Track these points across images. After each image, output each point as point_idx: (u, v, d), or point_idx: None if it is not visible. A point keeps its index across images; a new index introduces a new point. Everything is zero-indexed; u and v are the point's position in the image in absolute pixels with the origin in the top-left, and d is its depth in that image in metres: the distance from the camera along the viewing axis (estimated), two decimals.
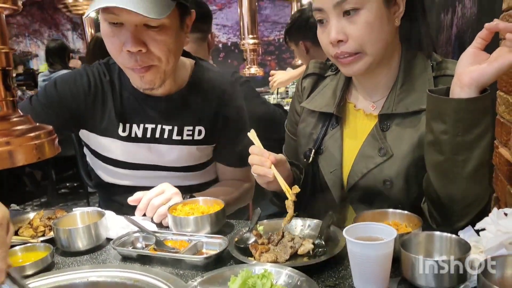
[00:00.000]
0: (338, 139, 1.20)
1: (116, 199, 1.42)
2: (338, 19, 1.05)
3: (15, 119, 0.66)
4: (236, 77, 1.94)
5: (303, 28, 2.55)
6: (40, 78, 4.34)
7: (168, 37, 1.15)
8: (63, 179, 4.68)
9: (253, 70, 3.35)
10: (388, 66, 1.13)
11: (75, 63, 4.90)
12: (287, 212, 1.04)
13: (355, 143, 1.17)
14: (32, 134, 0.65)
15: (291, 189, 1.04)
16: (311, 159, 1.21)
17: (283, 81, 3.63)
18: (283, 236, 0.98)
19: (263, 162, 1.07)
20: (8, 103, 0.65)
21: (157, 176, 1.36)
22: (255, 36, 3.26)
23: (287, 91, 3.88)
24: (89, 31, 4.80)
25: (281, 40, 5.87)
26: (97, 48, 3.03)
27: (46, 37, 4.92)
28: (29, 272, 0.95)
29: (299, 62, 4.95)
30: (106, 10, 1.11)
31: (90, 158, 1.44)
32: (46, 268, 0.98)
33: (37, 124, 0.69)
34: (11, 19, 4.75)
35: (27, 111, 0.99)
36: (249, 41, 3.20)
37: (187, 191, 1.27)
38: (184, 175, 1.39)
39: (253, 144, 1.11)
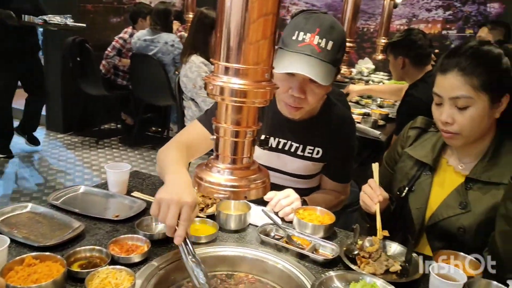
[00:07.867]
0: (428, 184, 1.56)
1: None
2: (451, 107, 1.40)
3: None
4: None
5: (408, 47, 2.88)
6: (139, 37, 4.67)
7: (323, 91, 1.52)
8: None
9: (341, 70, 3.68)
10: (481, 142, 1.47)
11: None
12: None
13: (442, 191, 1.53)
14: None
15: (382, 231, 1.42)
16: (403, 194, 1.59)
17: (355, 91, 3.94)
18: (380, 256, 1.38)
19: (373, 197, 1.46)
20: None
21: (277, 177, 1.76)
22: (352, 40, 3.50)
23: (357, 101, 4.11)
24: None
25: (365, 29, 5.99)
26: (200, 24, 3.41)
27: None
28: (202, 241, 1.40)
29: (379, 57, 5.14)
30: None
31: None
32: (213, 240, 1.42)
33: None
34: None
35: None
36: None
37: (297, 193, 1.68)
38: (297, 180, 1.78)
39: (371, 176, 1.49)
